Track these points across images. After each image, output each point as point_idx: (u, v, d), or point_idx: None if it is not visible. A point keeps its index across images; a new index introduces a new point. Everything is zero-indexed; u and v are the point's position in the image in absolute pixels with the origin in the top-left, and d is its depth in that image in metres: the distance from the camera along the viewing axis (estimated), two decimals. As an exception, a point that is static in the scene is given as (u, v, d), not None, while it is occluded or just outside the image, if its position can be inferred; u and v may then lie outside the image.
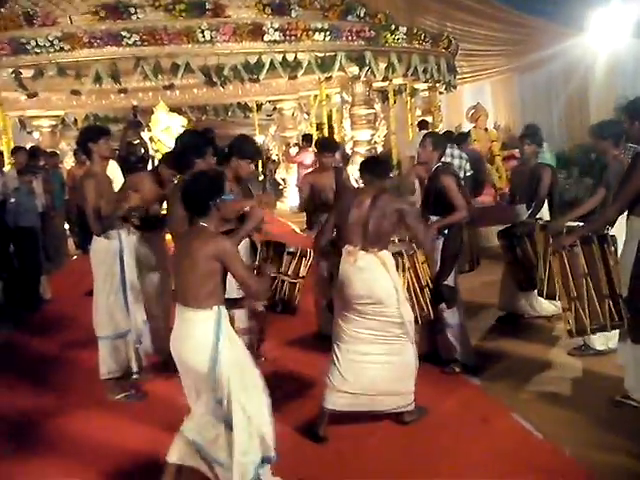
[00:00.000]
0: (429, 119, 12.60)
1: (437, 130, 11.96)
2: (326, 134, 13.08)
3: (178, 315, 3.10)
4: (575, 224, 4.41)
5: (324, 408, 3.79)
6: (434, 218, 4.68)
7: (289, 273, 4.34)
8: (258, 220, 3.63)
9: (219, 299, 3.06)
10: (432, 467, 3.51)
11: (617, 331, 4.14)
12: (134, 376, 4.64)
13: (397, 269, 4.35)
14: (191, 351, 3.01)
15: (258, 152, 4.62)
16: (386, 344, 3.76)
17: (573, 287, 3.95)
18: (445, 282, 4.60)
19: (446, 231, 4.63)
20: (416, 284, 4.44)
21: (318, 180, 5.47)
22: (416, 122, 11.75)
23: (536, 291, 5.01)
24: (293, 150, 12.56)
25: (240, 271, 3.03)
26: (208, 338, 2.98)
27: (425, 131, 9.82)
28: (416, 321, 4.51)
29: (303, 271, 4.42)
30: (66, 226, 9.63)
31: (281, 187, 13.48)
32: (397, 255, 4.39)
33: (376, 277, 3.66)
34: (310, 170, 6.45)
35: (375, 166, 4.01)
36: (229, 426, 3.00)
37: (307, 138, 11.75)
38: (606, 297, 3.92)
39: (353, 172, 8.41)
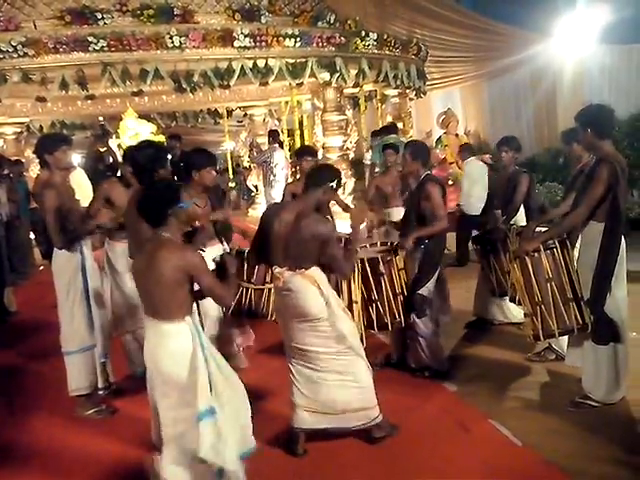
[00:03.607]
0: (400, 125, 12.65)
1: (408, 136, 12.04)
2: (298, 140, 13.06)
3: (150, 328, 3.04)
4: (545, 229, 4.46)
5: (294, 428, 3.76)
6: None
7: (252, 280, 4.29)
8: (208, 235, 3.58)
9: (190, 308, 3.03)
10: (410, 476, 3.47)
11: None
12: (100, 392, 4.53)
13: (372, 274, 4.34)
14: (170, 362, 2.95)
15: (212, 159, 4.52)
16: (332, 361, 3.69)
17: (538, 292, 4.01)
18: (419, 291, 4.58)
19: (427, 240, 4.61)
20: (389, 291, 4.42)
21: (299, 189, 5.40)
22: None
23: (508, 297, 5.05)
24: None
25: (208, 282, 3.01)
26: (187, 348, 2.94)
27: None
28: (386, 327, 4.51)
29: (270, 276, 4.29)
30: (32, 236, 9.39)
31: (253, 194, 13.38)
32: (372, 261, 4.37)
33: (306, 297, 3.59)
34: (291, 180, 6.43)
35: (313, 174, 3.87)
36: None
37: (273, 135, 11.22)
38: (570, 300, 4.00)
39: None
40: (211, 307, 4.01)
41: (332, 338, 3.65)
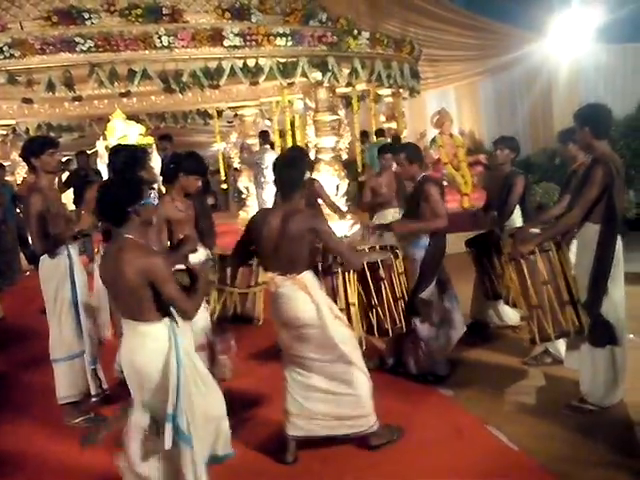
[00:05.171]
0: (393, 125, 12.59)
1: (401, 136, 11.97)
2: (290, 141, 12.95)
3: (128, 329, 2.96)
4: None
5: (286, 435, 3.67)
6: None
7: (236, 284, 4.20)
8: (194, 246, 3.48)
9: (166, 309, 2.94)
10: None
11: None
12: (93, 399, 4.44)
13: (372, 278, 4.24)
14: (147, 362, 2.89)
15: (203, 168, 4.45)
16: (326, 368, 3.61)
17: (534, 295, 3.96)
18: (421, 295, 4.50)
19: (427, 243, 4.53)
20: (390, 296, 4.34)
21: None
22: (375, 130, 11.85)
23: (502, 300, 5.00)
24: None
25: (169, 291, 2.84)
26: (163, 348, 2.87)
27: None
28: (387, 333, 4.41)
29: (255, 279, 4.25)
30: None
31: (244, 195, 13.25)
32: (372, 265, 4.26)
33: (297, 303, 3.52)
34: None
35: (287, 181, 3.62)
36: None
37: (264, 136, 11.20)
38: (567, 303, 3.96)
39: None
40: (199, 316, 3.91)
41: (323, 346, 3.56)
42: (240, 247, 3.80)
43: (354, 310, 4.14)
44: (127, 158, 4.10)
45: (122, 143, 6.51)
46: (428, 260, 4.55)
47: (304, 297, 3.50)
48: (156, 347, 2.88)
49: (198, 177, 4.28)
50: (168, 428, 2.84)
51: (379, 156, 6.60)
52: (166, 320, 2.92)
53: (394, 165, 5.92)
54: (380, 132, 11.80)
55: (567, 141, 4.70)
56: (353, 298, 4.15)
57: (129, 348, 2.96)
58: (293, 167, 3.66)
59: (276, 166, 3.70)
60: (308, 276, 3.57)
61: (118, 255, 2.86)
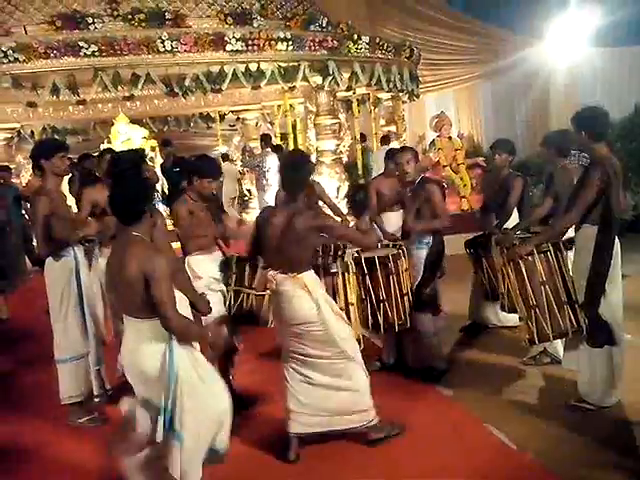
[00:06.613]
0: (393, 128, 12.66)
1: (402, 139, 12.05)
2: (292, 144, 13.02)
3: (127, 325, 3.01)
4: (527, 235, 4.47)
5: (288, 433, 3.73)
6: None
7: (253, 286, 4.27)
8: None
9: None
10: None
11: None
12: (96, 399, 4.48)
13: (382, 273, 4.34)
14: (150, 360, 2.93)
15: (218, 170, 4.57)
16: (326, 365, 3.68)
17: (532, 295, 4.00)
18: (427, 291, 4.63)
19: (430, 240, 4.64)
20: (397, 291, 4.41)
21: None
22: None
23: (499, 306, 5.05)
24: None
25: (160, 291, 2.85)
26: (160, 345, 2.91)
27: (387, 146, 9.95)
28: (393, 328, 4.48)
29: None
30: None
31: (247, 198, 13.32)
32: (382, 259, 4.35)
33: (296, 301, 3.57)
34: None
35: (292, 180, 3.72)
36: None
37: (266, 139, 11.18)
38: (565, 303, 4.00)
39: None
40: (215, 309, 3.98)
41: (324, 342, 3.62)
42: (254, 245, 3.88)
43: (352, 309, 4.21)
44: (126, 166, 4.19)
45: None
46: (432, 257, 4.68)
47: (304, 296, 3.56)
48: (155, 345, 2.92)
49: (212, 180, 4.36)
50: (160, 421, 2.89)
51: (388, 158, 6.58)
52: None
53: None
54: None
55: (548, 146, 4.79)
56: (352, 298, 4.22)
57: (129, 346, 3.00)
58: (298, 169, 3.75)
59: (282, 168, 3.82)
60: (308, 275, 3.63)
61: (124, 250, 2.90)
